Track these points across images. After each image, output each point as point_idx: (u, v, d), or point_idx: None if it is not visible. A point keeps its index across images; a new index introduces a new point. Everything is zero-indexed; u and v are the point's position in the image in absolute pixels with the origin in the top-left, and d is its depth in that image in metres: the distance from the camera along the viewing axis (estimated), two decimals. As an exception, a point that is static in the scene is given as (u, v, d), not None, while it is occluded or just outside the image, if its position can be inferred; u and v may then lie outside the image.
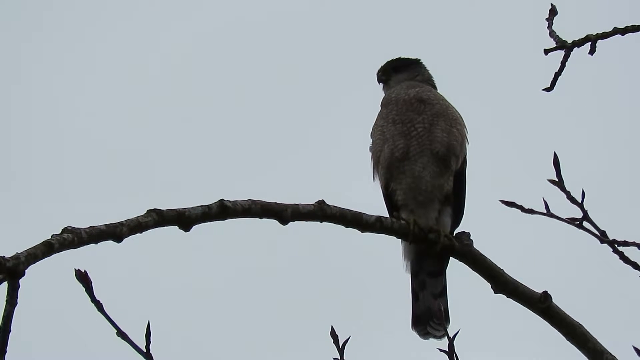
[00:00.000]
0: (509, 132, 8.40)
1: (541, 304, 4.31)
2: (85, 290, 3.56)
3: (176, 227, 3.82)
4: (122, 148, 9.82)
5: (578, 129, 8.62)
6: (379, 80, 5.46)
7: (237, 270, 8.31)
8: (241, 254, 8.17)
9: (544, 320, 4.33)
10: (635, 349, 3.71)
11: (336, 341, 4.12)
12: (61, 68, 10.19)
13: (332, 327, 4.13)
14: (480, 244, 4.55)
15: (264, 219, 4.07)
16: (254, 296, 8.17)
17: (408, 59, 5.48)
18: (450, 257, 4.73)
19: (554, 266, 7.70)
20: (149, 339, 3.59)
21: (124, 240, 3.62)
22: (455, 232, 4.86)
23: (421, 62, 5.48)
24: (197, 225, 3.86)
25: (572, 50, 3.93)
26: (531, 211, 3.71)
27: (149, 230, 3.72)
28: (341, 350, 4.11)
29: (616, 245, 3.62)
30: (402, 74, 5.40)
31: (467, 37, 9.36)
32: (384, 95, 5.35)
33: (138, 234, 3.68)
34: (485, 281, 4.46)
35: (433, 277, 5.03)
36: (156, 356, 3.59)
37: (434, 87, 5.41)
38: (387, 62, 5.47)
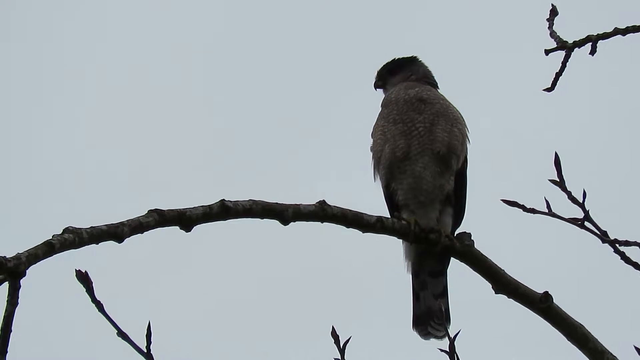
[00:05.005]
0: (510, 132, 8.40)
1: (542, 304, 4.30)
2: (86, 291, 3.56)
3: (177, 228, 3.82)
4: (123, 148, 9.82)
5: (579, 129, 8.63)
6: (376, 87, 5.46)
7: (237, 271, 8.31)
8: (242, 254, 8.17)
9: (545, 321, 4.33)
10: (637, 348, 3.72)
11: (337, 341, 4.12)
12: (61, 66, 10.19)
13: (332, 327, 4.13)
14: (481, 244, 4.55)
15: (265, 219, 4.06)
16: (255, 296, 8.17)
17: (402, 58, 5.47)
18: (451, 257, 4.73)
19: (555, 266, 7.70)
20: (150, 339, 3.59)
21: (125, 240, 3.62)
22: (457, 232, 4.86)
23: (417, 59, 5.46)
24: (198, 226, 3.86)
25: (572, 51, 3.93)
26: (533, 211, 3.71)
27: (150, 231, 3.72)
28: (342, 351, 4.11)
29: (617, 245, 3.62)
30: (397, 76, 5.40)
31: (467, 37, 9.36)
32: (384, 96, 5.35)
33: (139, 234, 3.68)
34: (486, 281, 4.46)
35: (434, 277, 5.03)
36: (157, 356, 3.59)
37: (433, 83, 5.39)
38: (382, 66, 5.47)
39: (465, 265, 4.57)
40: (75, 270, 3.55)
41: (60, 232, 3.43)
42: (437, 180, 4.95)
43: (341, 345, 4.11)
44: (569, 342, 4.28)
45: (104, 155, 9.71)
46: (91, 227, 3.52)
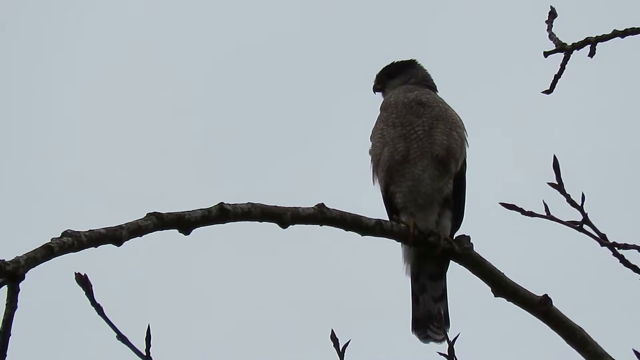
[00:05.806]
0: (509, 135, 8.39)
1: (541, 307, 4.31)
2: (86, 294, 3.56)
3: (176, 231, 3.82)
4: (121, 150, 9.82)
5: (578, 132, 8.62)
6: (375, 90, 5.47)
7: (236, 274, 8.31)
8: (241, 257, 8.17)
9: (544, 324, 4.33)
10: (636, 352, 3.71)
11: (336, 344, 4.12)
12: (61, 67, 10.20)
13: (332, 330, 4.13)
14: (480, 247, 4.56)
15: (263, 222, 4.07)
16: (254, 300, 8.17)
17: (401, 61, 5.48)
18: (450, 260, 4.73)
19: (554, 269, 7.69)
20: (149, 342, 3.59)
21: (124, 243, 3.62)
22: (456, 235, 4.86)
23: (416, 63, 5.48)
24: (196, 229, 3.86)
25: (571, 53, 3.93)
26: (531, 214, 3.71)
27: (148, 234, 3.72)
28: (341, 354, 4.11)
29: (616, 248, 3.62)
30: (396, 79, 5.41)
31: (467, 39, 9.35)
32: (383, 99, 5.36)
33: (138, 238, 3.68)
34: (485, 284, 4.46)
35: (433, 280, 5.02)
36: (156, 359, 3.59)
37: (432, 86, 5.40)
38: (381, 70, 5.48)
39: (464, 268, 4.57)
40: (75, 273, 3.55)
41: (59, 236, 3.43)
42: (436, 183, 4.95)
43: (340, 349, 4.11)
44: (568, 345, 4.28)
45: (102, 158, 9.71)
46: (90, 230, 3.52)
